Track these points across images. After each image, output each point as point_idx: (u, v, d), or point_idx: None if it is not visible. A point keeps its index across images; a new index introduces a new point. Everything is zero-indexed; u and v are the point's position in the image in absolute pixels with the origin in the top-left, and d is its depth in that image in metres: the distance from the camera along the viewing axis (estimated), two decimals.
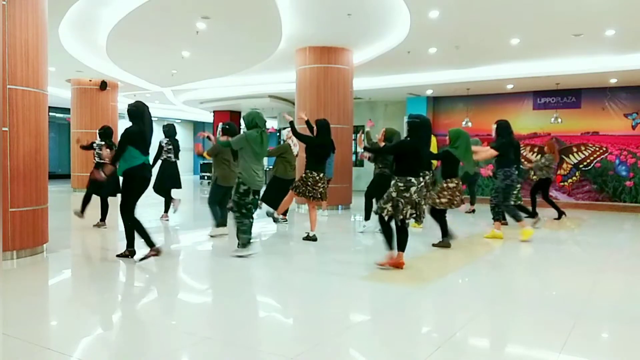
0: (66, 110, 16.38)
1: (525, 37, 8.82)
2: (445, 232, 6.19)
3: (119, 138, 5.32)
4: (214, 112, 20.10)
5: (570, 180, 12.85)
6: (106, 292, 4.36)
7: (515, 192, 7.46)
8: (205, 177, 19.64)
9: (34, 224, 5.38)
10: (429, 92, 14.12)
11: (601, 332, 3.54)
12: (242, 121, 21.02)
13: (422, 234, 7.10)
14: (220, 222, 6.89)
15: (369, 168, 16.23)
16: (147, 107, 5.32)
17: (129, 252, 5.32)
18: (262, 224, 7.90)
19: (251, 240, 5.60)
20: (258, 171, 5.44)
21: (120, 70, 12.46)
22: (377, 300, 4.18)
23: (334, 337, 3.24)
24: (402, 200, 4.79)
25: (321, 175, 6.41)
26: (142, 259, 5.15)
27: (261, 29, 8.68)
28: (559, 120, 12.47)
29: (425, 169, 6.24)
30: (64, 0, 7.21)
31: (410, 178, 4.83)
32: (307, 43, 9.88)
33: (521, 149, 7.96)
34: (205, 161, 20.34)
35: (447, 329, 3.37)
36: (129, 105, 5.31)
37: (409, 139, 5.07)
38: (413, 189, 4.81)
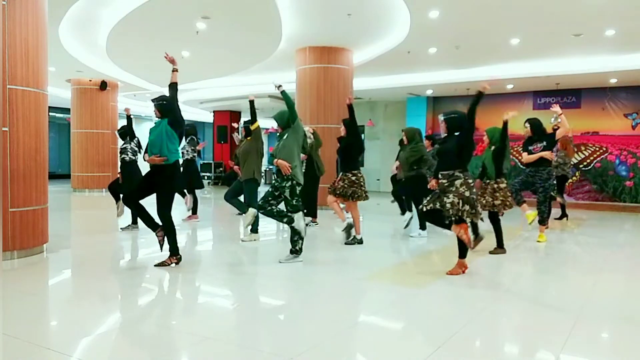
0: (66, 110, 16.37)
1: (525, 37, 8.82)
2: (500, 240, 5.89)
3: (149, 134, 5.01)
4: (214, 112, 20.09)
5: (570, 180, 12.84)
6: (106, 292, 4.36)
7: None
8: (205, 177, 19.57)
9: (34, 224, 5.38)
10: (429, 92, 14.12)
11: (601, 332, 3.54)
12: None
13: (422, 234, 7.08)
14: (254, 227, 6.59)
15: (369, 168, 16.29)
16: None
17: (177, 260, 5.02)
18: (262, 223, 7.88)
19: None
20: None
21: (120, 70, 12.45)
22: (378, 300, 4.18)
23: (334, 337, 3.24)
24: (474, 197, 4.56)
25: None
26: (159, 265, 5.00)
27: (261, 29, 8.67)
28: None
29: None
30: (64, 0, 7.21)
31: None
32: (307, 43, 9.88)
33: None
34: (205, 161, 20.33)
35: (447, 329, 3.37)
36: (159, 99, 5.01)
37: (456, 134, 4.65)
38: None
